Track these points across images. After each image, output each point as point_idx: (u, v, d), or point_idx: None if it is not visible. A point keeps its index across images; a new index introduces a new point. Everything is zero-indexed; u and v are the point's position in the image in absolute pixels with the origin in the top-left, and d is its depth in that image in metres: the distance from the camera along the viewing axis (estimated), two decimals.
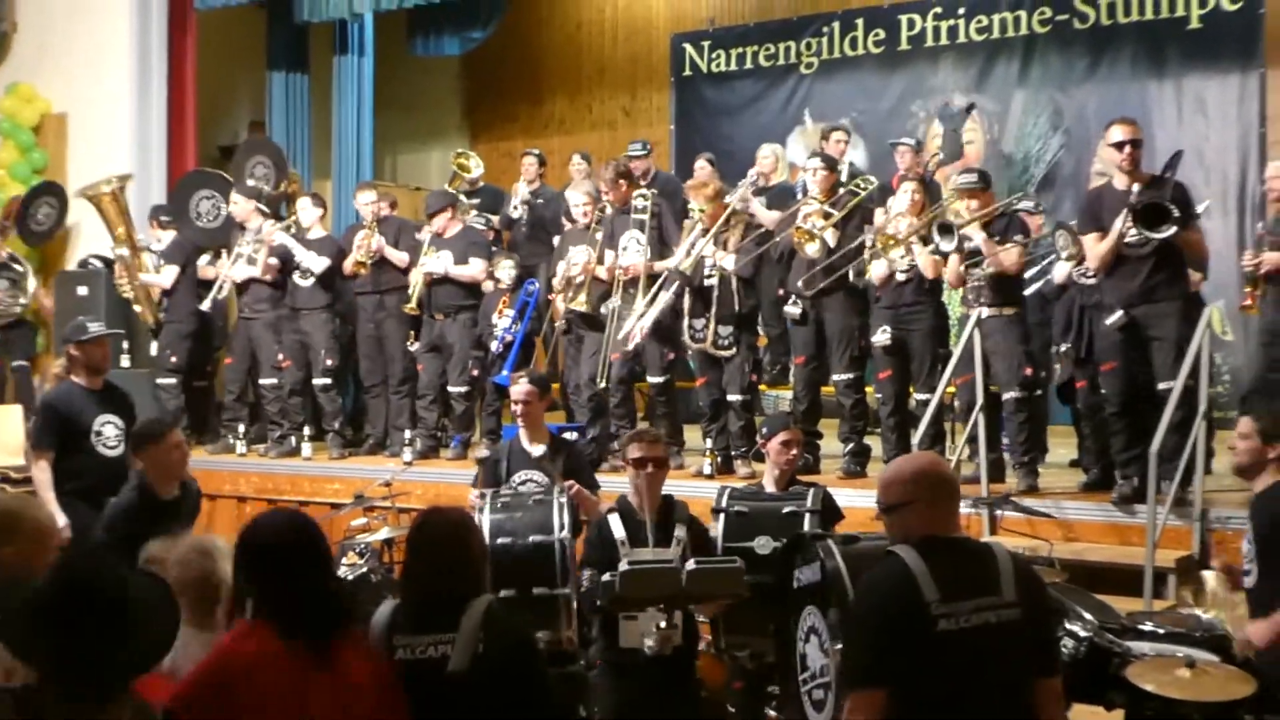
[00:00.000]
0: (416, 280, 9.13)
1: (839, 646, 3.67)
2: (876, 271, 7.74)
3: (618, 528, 5.29)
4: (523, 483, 6.54)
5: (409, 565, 3.79)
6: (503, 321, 8.97)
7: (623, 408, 8.57)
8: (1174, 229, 6.53)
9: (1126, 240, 6.74)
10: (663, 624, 4.76)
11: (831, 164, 8.33)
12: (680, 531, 5.25)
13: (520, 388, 6.64)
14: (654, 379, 8.51)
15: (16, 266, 10.92)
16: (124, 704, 2.81)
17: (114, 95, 11.53)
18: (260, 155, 11.36)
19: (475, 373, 9.19)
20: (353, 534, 7.12)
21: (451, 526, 3.82)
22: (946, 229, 7.26)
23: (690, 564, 4.73)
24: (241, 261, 9.70)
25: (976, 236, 7.40)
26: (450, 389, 9.20)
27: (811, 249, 7.75)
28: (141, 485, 5.71)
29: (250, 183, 10.85)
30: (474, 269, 9.18)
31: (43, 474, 6.62)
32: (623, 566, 4.80)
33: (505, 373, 8.80)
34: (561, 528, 5.77)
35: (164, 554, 4.06)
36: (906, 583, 3.22)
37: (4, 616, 2.83)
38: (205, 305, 9.86)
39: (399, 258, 9.28)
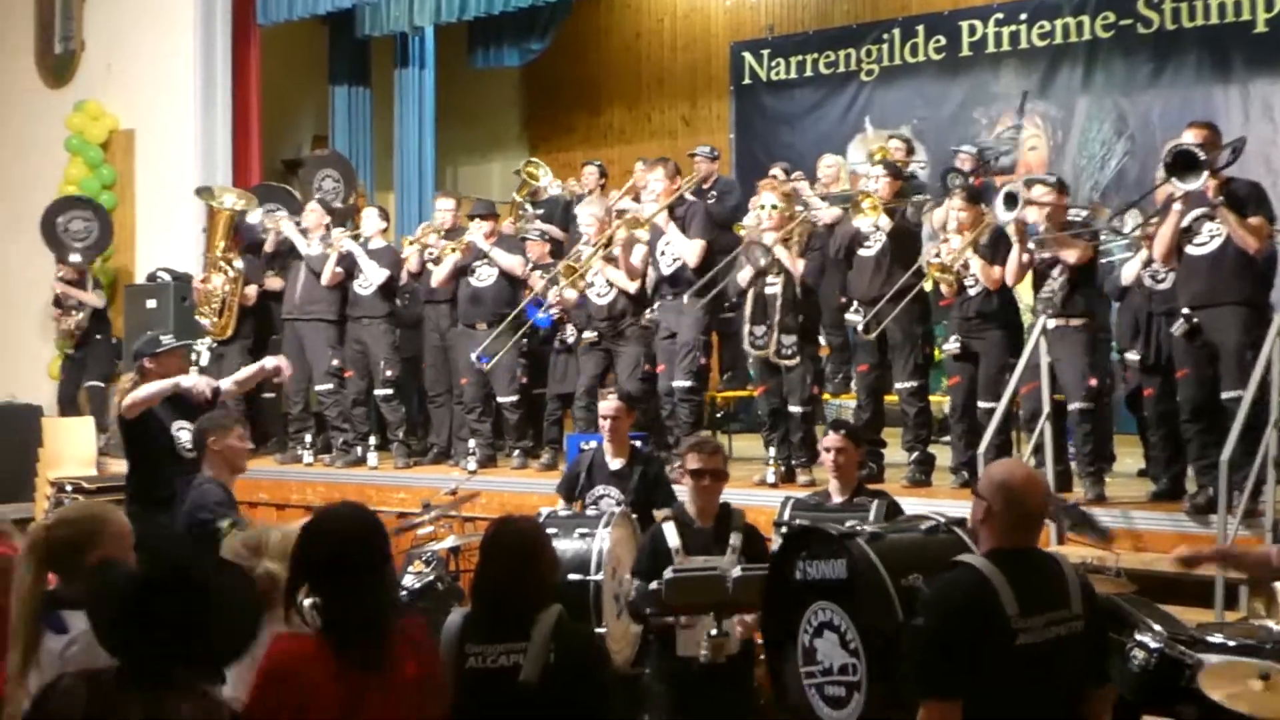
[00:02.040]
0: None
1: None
2: (945, 291, 7.73)
3: (672, 536, 5.32)
4: (600, 498, 6.60)
5: (481, 574, 3.82)
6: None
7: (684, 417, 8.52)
8: (1204, 175, 6.35)
9: (1194, 240, 6.68)
10: (714, 632, 4.77)
11: (896, 172, 8.30)
12: (735, 540, 5.26)
13: (609, 404, 6.68)
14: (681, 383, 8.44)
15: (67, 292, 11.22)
16: (196, 695, 2.86)
17: (180, 111, 11.68)
18: (329, 169, 11.48)
19: (524, 381, 9.23)
20: (420, 542, 7.17)
21: (523, 536, 3.85)
22: (1012, 198, 7.16)
23: (736, 571, 4.73)
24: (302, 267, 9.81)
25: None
26: (499, 400, 9.23)
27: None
28: (212, 482, 5.85)
29: (318, 196, 10.98)
30: (514, 260, 9.21)
31: None
32: (668, 574, 4.82)
33: (544, 312, 8.95)
34: (598, 568, 5.83)
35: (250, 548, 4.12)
36: (987, 595, 3.20)
37: (95, 606, 2.94)
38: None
39: (512, 262, 9.27)
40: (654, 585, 4.87)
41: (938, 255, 7.68)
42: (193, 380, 6.67)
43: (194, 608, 2.85)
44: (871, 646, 3.75)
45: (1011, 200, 7.16)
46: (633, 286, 8.60)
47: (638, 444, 7.44)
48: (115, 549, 4.12)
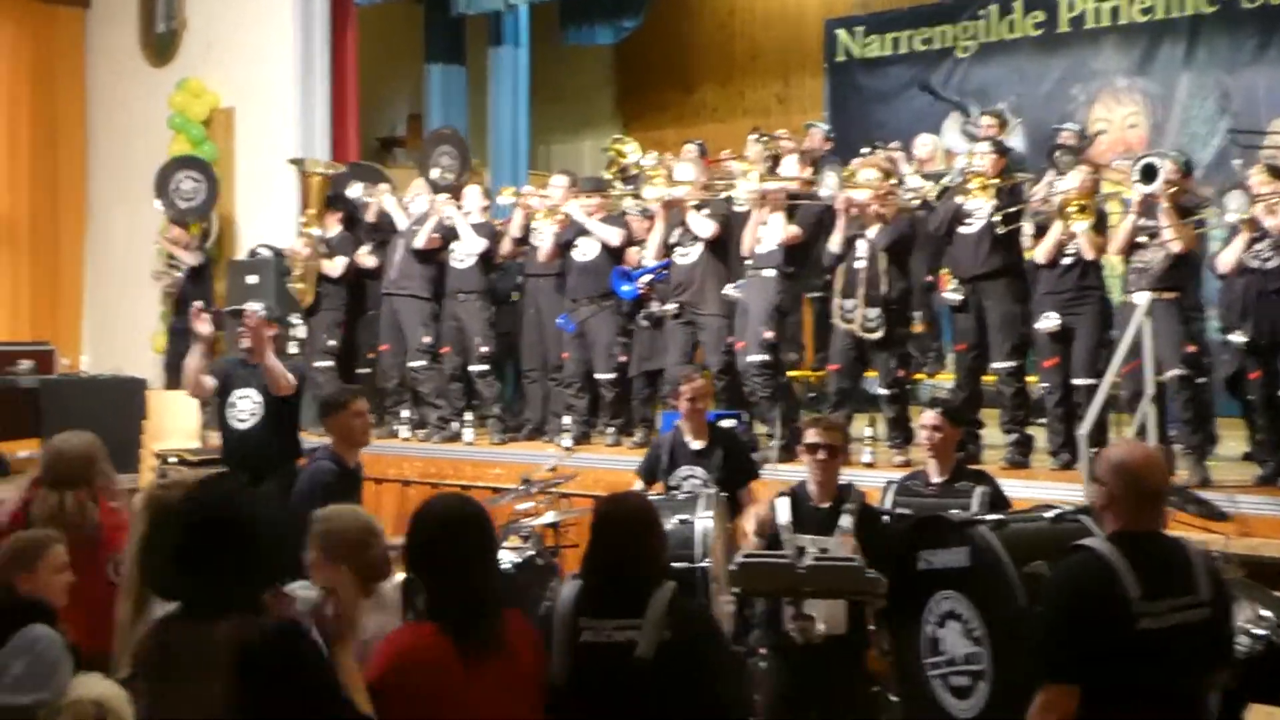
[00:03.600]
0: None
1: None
2: (1039, 254, 7.64)
3: (784, 513, 5.32)
4: (685, 478, 6.61)
5: (593, 549, 3.85)
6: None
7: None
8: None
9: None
10: (796, 614, 4.78)
11: (1002, 149, 8.21)
12: (846, 522, 5.25)
13: (692, 383, 6.70)
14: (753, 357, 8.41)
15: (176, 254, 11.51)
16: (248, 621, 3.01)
17: (279, 89, 11.84)
18: (446, 145, 11.57)
19: (623, 359, 9.27)
20: (517, 518, 7.24)
21: (638, 512, 3.89)
22: (1150, 172, 7.06)
23: (809, 559, 4.73)
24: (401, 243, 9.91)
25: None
26: (597, 376, 9.28)
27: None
28: (331, 454, 5.98)
29: (435, 171, 11.10)
30: (611, 232, 9.25)
31: None
32: (738, 558, 4.85)
33: (630, 285, 8.96)
34: (704, 555, 5.83)
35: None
36: (1107, 578, 3.19)
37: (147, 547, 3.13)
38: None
39: (609, 234, 9.31)
40: (732, 567, 4.89)
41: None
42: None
43: (234, 543, 3.03)
44: (996, 635, 3.73)
45: (1149, 173, 7.07)
46: (709, 229, 8.57)
47: (723, 423, 7.48)
48: None
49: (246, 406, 6.97)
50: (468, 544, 3.39)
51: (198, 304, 7.28)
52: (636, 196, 9.74)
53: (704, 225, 8.63)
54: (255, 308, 7.12)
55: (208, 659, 2.93)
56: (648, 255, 9.04)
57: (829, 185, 8.28)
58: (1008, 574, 3.72)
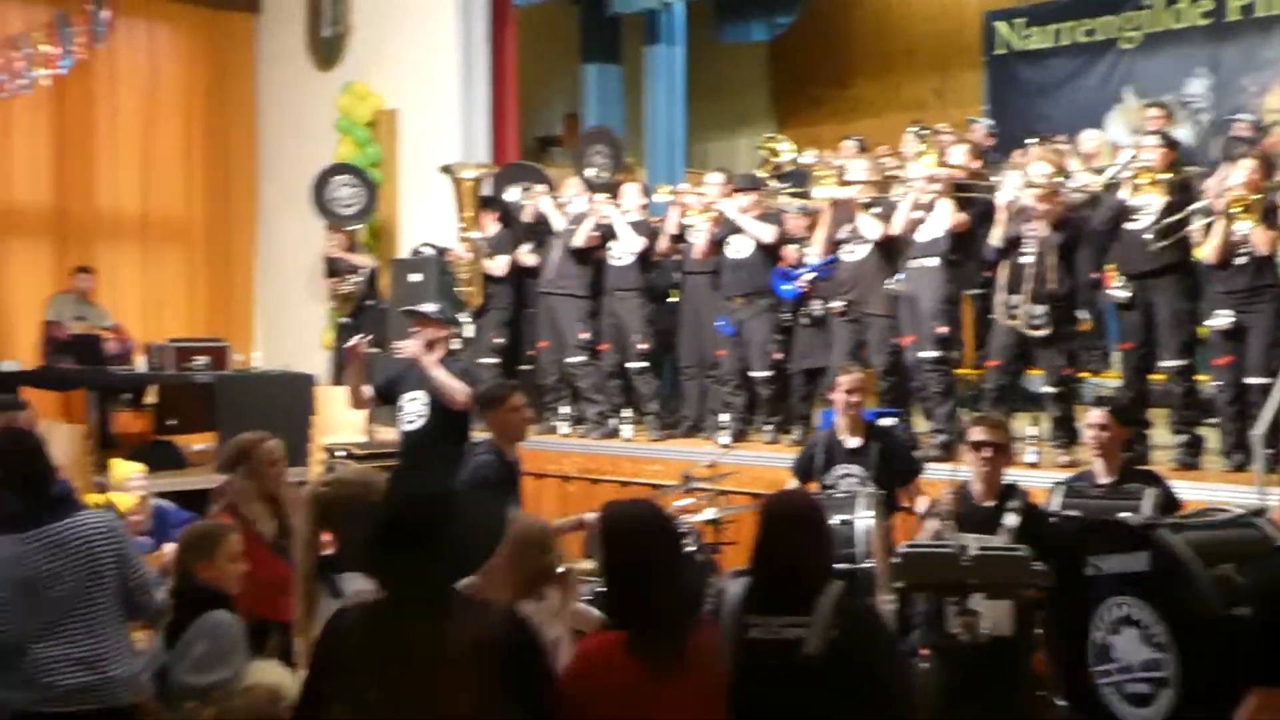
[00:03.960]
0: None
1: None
2: (1206, 251, 7.45)
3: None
4: (841, 476, 6.60)
5: (761, 546, 3.89)
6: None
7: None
8: None
9: None
10: (961, 610, 4.74)
11: (1171, 142, 8.02)
12: (1010, 520, 5.20)
13: (851, 377, 6.68)
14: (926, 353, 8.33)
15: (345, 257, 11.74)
16: (454, 613, 3.02)
17: (441, 91, 12.07)
18: (600, 144, 11.70)
19: (778, 357, 9.27)
20: (676, 514, 7.29)
21: (803, 510, 3.92)
22: None
23: (973, 550, 4.69)
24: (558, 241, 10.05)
25: None
26: (752, 374, 9.29)
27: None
28: (491, 448, 6.12)
29: (590, 170, 11.24)
30: (764, 230, 9.24)
31: None
32: (901, 548, 4.81)
33: (791, 284, 8.94)
34: (867, 555, 5.81)
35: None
36: None
37: (352, 534, 3.18)
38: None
39: (762, 231, 9.31)
40: (894, 560, 4.88)
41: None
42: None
43: (435, 531, 3.01)
44: (1184, 640, 3.65)
45: None
46: (878, 231, 8.52)
47: (881, 421, 7.44)
48: None
49: (415, 409, 7.12)
50: (659, 554, 3.42)
51: (356, 341, 7.43)
52: (802, 195, 9.75)
53: (873, 227, 8.58)
54: (430, 309, 7.27)
55: (419, 651, 2.95)
56: (811, 253, 9.04)
57: (1011, 186, 8.15)
58: (1196, 578, 3.63)
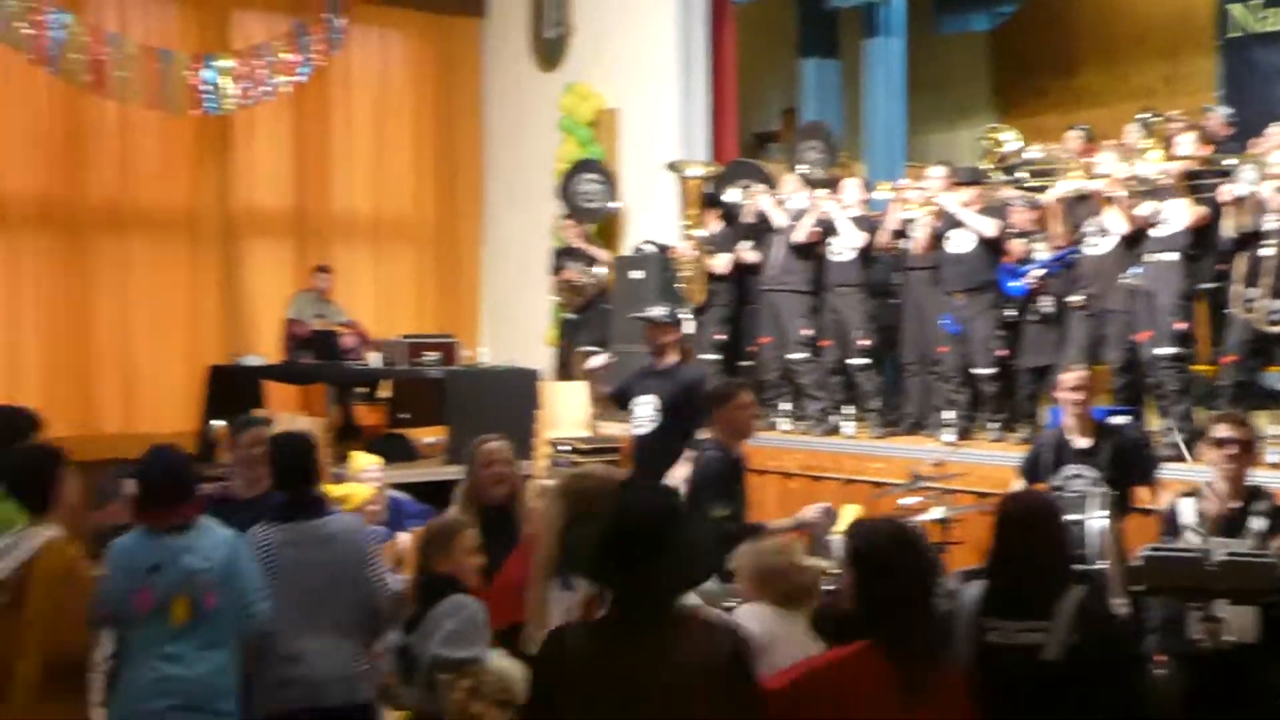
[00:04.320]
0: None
1: None
2: None
3: (1188, 513, 5.18)
4: (1071, 477, 6.47)
5: (998, 549, 3.86)
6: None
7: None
8: None
9: None
10: (1204, 615, 4.62)
11: None
12: (1259, 524, 5.06)
13: (1075, 375, 6.56)
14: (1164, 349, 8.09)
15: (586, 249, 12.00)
16: (679, 630, 3.03)
17: (661, 89, 12.20)
18: (813, 140, 11.70)
19: (1002, 353, 9.12)
20: (902, 513, 7.26)
21: (1041, 511, 3.88)
22: None
23: (1219, 555, 4.56)
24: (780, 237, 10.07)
25: None
26: (975, 371, 9.17)
27: None
28: (718, 444, 6.21)
29: (803, 166, 11.26)
30: (986, 223, 9.09)
31: None
32: (1144, 551, 4.70)
33: (1019, 281, 8.77)
34: (1098, 555, 5.68)
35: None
36: None
37: (578, 546, 3.20)
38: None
39: (983, 225, 9.20)
40: (1135, 562, 4.78)
41: None
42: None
43: (662, 546, 3.01)
44: None
45: None
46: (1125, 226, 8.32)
47: (1113, 419, 7.27)
48: None
49: (645, 413, 7.25)
50: (917, 573, 3.36)
51: (599, 365, 7.64)
52: (1031, 188, 9.59)
53: (1118, 221, 8.38)
54: (659, 314, 7.39)
55: (646, 670, 2.95)
56: (1040, 248, 8.88)
57: (1246, 179, 7.88)
58: None
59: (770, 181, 11.03)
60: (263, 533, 4.90)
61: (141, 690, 4.49)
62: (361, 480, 8.40)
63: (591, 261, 12.06)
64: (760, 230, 10.57)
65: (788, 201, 10.32)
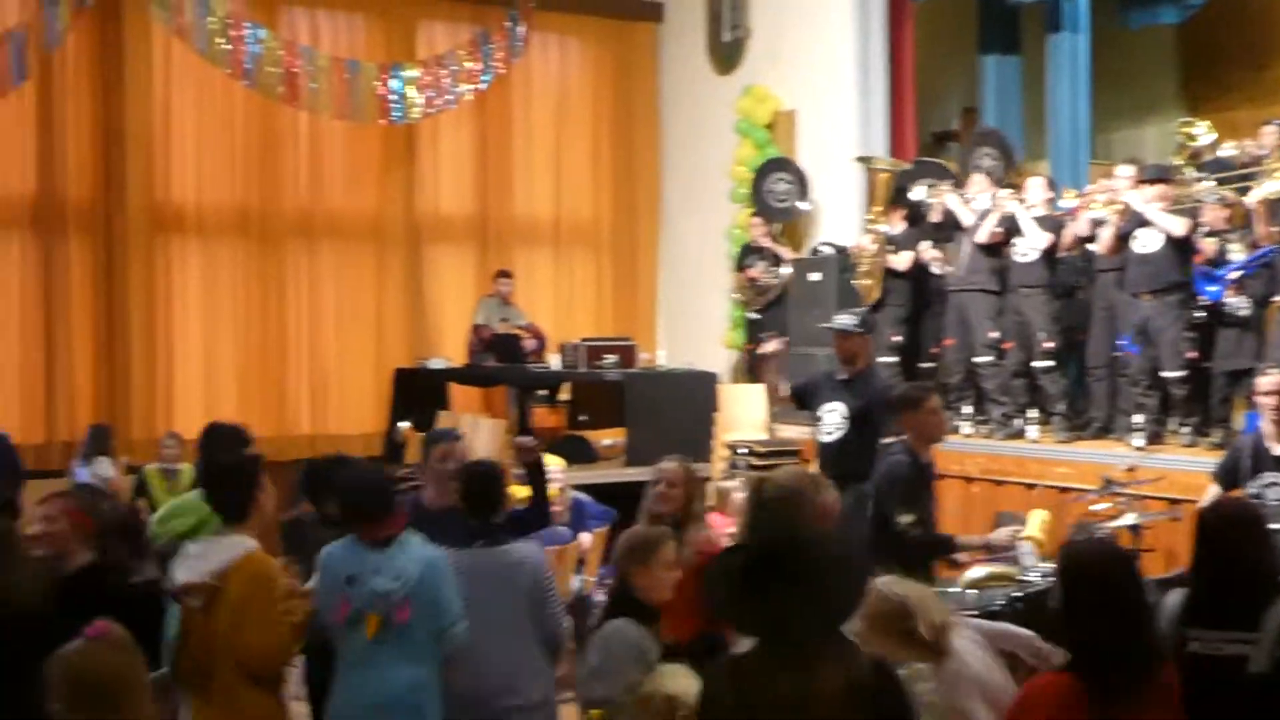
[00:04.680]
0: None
1: None
2: None
3: None
4: (1269, 484, 6.27)
5: (1201, 558, 3.78)
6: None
7: None
8: None
9: None
10: None
11: None
12: None
13: (1271, 380, 6.36)
14: None
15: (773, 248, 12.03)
16: (824, 659, 2.88)
17: (839, 90, 12.14)
18: (988, 146, 11.53)
19: (1192, 355, 8.86)
20: (1092, 519, 7.15)
21: (1246, 519, 3.79)
22: None
23: None
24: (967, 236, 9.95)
25: None
26: (1164, 374, 8.91)
27: None
28: (906, 449, 6.17)
29: (978, 175, 11.11)
30: (1174, 222, 8.82)
31: None
32: None
33: (1217, 285, 8.51)
34: None
35: None
36: None
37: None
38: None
39: (1171, 224, 8.91)
40: None
41: None
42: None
43: (802, 577, 2.86)
44: None
45: None
46: None
47: None
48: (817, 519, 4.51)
49: (833, 420, 7.21)
50: (1124, 596, 3.25)
51: (774, 343, 7.61)
52: (1223, 183, 9.32)
53: None
54: (849, 322, 7.35)
55: (791, 702, 2.85)
56: (1237, 247, 8.61)
57: None
58: None
59: (955, 180, 10.89)
60: (449, 557, 4.96)
61: (349, 697, 4.67)
62: None
63: (778, 260, 12.06)
64: (944, 230, 10.46)
65: (973, 201, 10.19)
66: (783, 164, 12.45)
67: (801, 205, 12.24)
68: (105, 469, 10.04)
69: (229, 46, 11.85)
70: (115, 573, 4.85)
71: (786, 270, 11.91)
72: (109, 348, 11.91)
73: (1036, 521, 6.58)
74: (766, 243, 12.17)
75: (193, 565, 4.49)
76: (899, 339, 10.51)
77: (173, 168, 12.32)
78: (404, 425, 11.75)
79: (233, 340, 12.45)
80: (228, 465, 4.91)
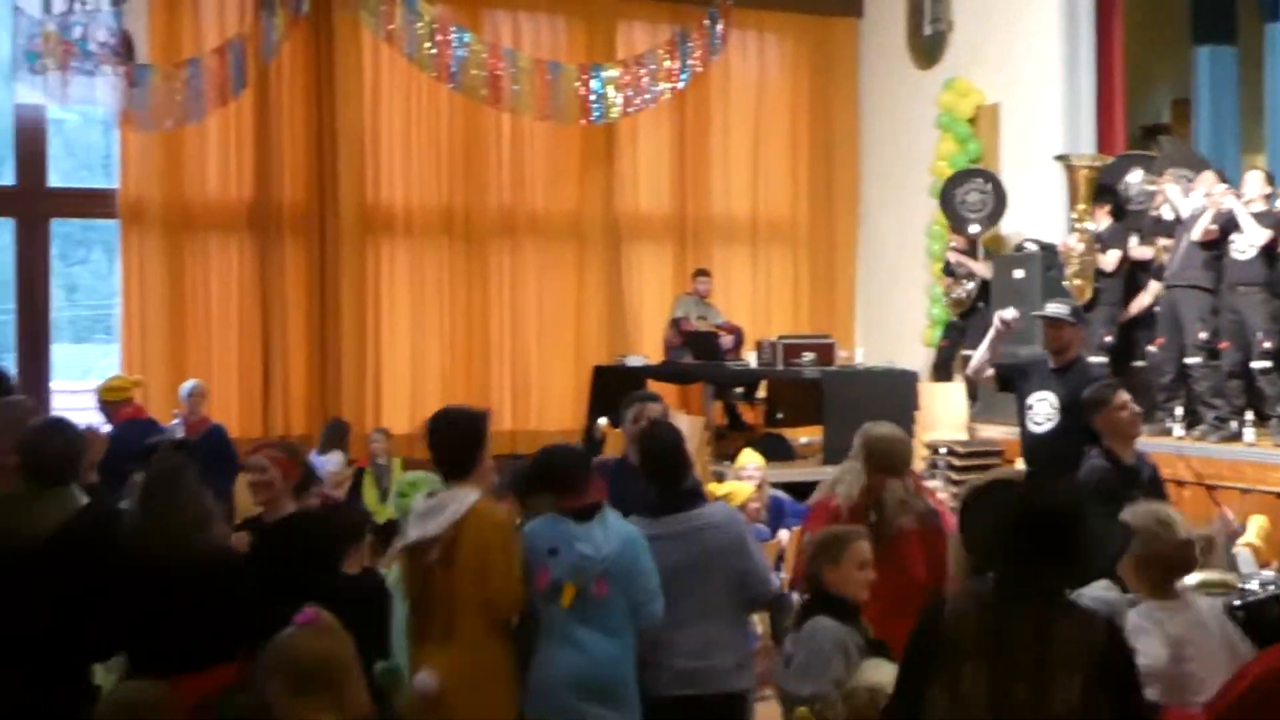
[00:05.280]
0: None
1: None
2: None
3: None
4: None
5: None
6: None
7: None
8: None
9: None
10: None
11: None
12: None
13: None
14: None
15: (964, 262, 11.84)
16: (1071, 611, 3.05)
17: (1044, 83, 11.89)
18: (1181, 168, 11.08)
19: None
20: None
21: None
22: None
23: None
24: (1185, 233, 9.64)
25: None
26: None
27: None
28: (1105, 452, 6.02)
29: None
30: None
31: None
32: None
33: None
34: None
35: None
36: None
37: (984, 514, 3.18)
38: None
39: None
40: None
41: None
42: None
43: (1067, 531, 3.03)
44: None
45: None
46: None
47: None
48: None
49: (1044, 410, 7.06)
50: None
51: (1010, 316, 7.41)
52: None
53: None
54: (1061, 311, 7.20)
55: (1024, 647, 3.00)
56: None
57: None
58: None
59: (1163, 174, 10.56)
60: (635, 525, 4.98)
61: (548, 666, 4.74)
62: (742, 478, 8.58)
63: (970, 275, 11.86)
64: (1153, 225, 10.15)
65: (1190, 195, 9.86)
66: (976, 174, 12.22)
67: (990, 217, 12.00)
68: (335, 462, 10.51)
69: (435, 51, 12.17)
70: (318, 522, 5.10)
71: (971, 285, 11.72)
72: (321, 346, 12.36)
73: (1254, 528, 6.34)
74: (956, 257, 11.96)
75: (424, 522, 4.65)
76: (1110, 339, 10.24)
77: (382, 170, 12.73)
78: (602, 422, 11.88)
79: (438, 338, 12.80)
80: (454, 420, 4.99)
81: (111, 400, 8.58)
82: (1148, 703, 3.12)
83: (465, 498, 4.65)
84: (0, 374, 7.51)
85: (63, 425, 4.96)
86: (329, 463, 10.40)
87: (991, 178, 12.14)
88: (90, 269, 17.23)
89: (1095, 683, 2.94)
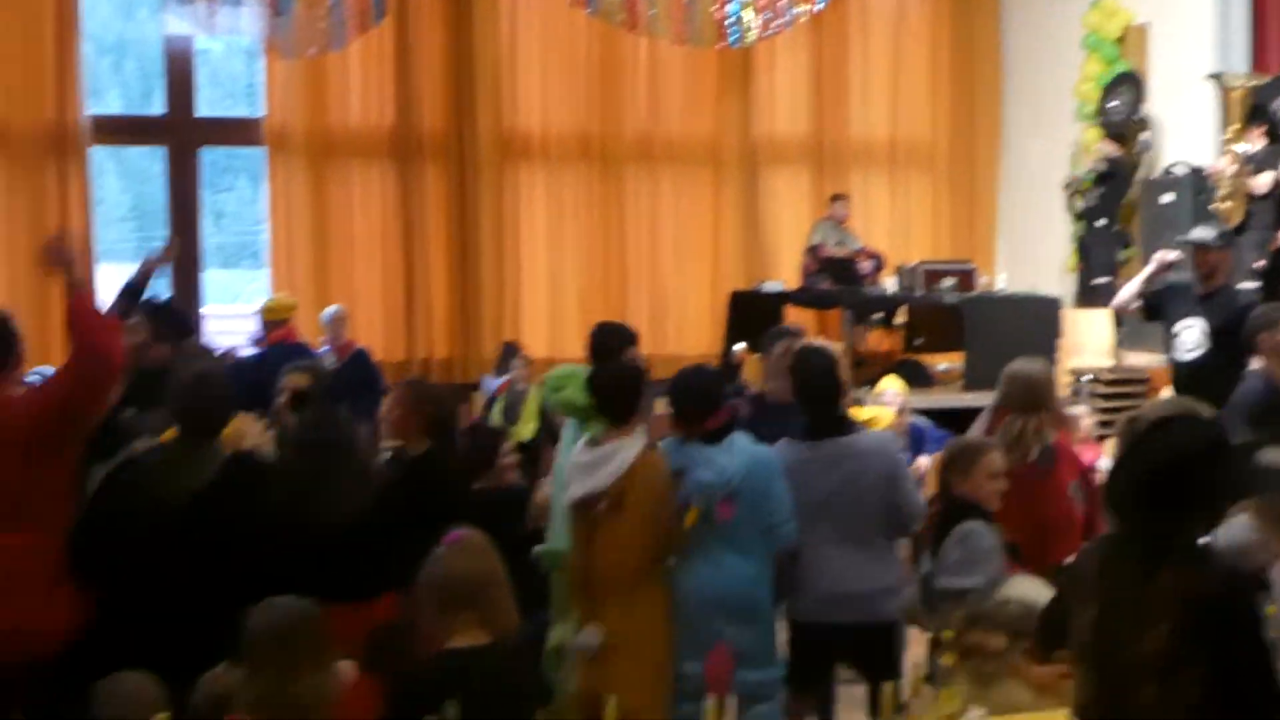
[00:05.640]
0: None
1: None
2: None
3: None
4: None
5: None
6: None
7: None
8: None
9: None
10: None
11: None
12: None
13: None
14: None
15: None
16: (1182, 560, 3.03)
17: (1194, 2, 11.53)
18: None
19: None
20: None
21: None
22: None
23: None
24: None
25: None
26: None
27: None
28: (1262, 375, 5.91)
29: None
30: None
31: None
32: None
33: None
34: None
35: None
36: None
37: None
38: None
39: None
40: None
41: None
42: None
43: (1176, 481, 3.04)
44: None
45: None
46: None
47: None
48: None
49: (1191, 338, 6.93)
50: None
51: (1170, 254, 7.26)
52: None
53: None
54: (1208, 235, 7.04)
55: (1133, 584, 3.04)
56: None
57: None
58: None
59: None
60: (784, 450, 5.01)
61: (684, 582, 4.82)
62: (882, 404, 8.55)
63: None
64: None
65: None
66: (1127, 78, 11.93)
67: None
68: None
69: None
70: (450, 461, 5.17)
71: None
72: (461, 271, 12.52)
73: None
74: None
75: (588, 475, 4.74)
76: (1262, 264, 9.94)
77: (519, 96, 12.78)
78: (739, 347, 11.89)
79: (575, 263, 12.88)
80: (617, 372, 5.09)
81: (270, 320, 8.89)
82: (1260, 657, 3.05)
83: (630, 448, 4.73)
84: (181, 318, 7.73)
85: (211, 380, 5.03)
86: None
87: (1136, 81, 11.88)
88: (236, 195, 17.67)
89: (1189, 631, 2.94)
